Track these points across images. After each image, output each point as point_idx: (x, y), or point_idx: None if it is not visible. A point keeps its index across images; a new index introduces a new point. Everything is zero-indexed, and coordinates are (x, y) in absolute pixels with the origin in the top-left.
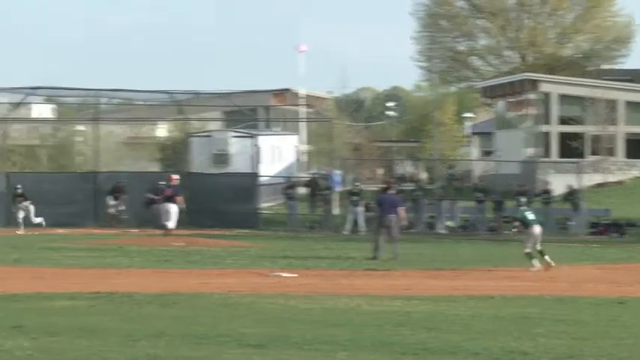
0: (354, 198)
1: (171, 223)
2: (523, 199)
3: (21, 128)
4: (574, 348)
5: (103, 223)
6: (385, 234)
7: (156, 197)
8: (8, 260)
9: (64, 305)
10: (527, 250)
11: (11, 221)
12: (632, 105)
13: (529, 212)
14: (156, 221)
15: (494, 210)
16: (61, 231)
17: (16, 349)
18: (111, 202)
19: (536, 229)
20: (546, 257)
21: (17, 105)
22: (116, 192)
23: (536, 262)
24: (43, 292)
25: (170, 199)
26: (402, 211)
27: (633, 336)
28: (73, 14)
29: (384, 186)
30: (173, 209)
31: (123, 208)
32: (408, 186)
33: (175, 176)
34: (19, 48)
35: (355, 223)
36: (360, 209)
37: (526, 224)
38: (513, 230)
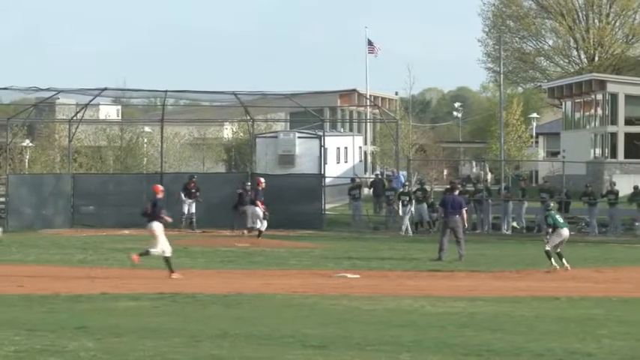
0: (404, 198)
1: (263, 225)
2: (552, 204)
3: (87, 129)
4: (638, 350)
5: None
6: (450, 235)
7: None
8: (73, 261)
9: (128, 306)
10: (547, 249)
11: (75, 222)
12: None
13: (558, 216)
14: (244, 223)
15: (560, 211)
16: (126, 232)
17: (81, 349)
18: (184, 199)
19: (565, 232)
20: (564, 260)
21: (85, 106)
22: (188, 189)
23: (554, 262)
24: (108, 293)
25: (254, 201)
26: (464, 212)
27: None
28: (140, 17)
29: (449, 187)
30: (259, 211)
31: (193, 211)
32: (473, 187)
33: (262, 180)
34: (86, 50)
35: (420, 222)
36: (409, 209)
37: (556, 227)
38: (547, 237)
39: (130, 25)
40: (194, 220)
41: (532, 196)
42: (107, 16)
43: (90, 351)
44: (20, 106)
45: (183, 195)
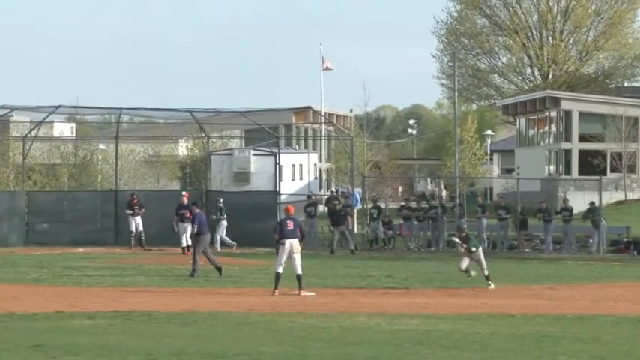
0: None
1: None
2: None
3: (42, 147)
4: None
5: (124, 242)
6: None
7: None
8: (27, 279)
9: (84, 324)
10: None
11: (29, 240)
12: None
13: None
14: None
15: (517, 228)
16: (81, 250)
17: None
18: (128, 215)
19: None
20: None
21: (39, 124)
22: (132, 206)
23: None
24: (63, 312)
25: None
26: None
27: None
28: (96, 34)
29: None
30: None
31: (141, 229)
32: (427, 204)
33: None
34: (42, 68)
35: (375, 240)
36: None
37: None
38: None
39: (82, 41)
40: (143, 237)
41: (490, 212)
42: (59, 31)
43: None
44: None
45: (128, 213)
